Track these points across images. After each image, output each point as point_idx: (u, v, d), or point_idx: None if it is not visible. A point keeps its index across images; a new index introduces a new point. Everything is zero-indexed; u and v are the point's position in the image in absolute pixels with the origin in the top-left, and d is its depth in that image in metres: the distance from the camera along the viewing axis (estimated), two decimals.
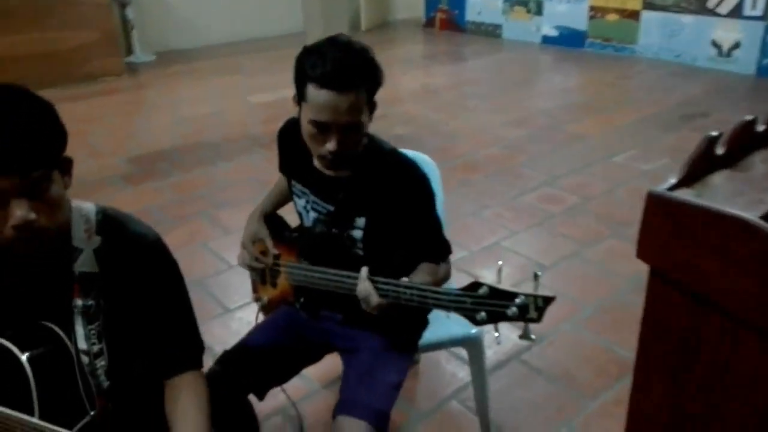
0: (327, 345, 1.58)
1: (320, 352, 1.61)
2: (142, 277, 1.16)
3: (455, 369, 2.22)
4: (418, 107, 5.27)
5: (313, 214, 1.52)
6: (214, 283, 2.74)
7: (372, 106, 1.34)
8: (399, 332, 1.51)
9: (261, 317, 1.70)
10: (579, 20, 6.95)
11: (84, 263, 1.11)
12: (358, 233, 1.45)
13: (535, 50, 7.21)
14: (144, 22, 6.94)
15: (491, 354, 2.28)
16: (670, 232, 0.76)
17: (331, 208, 1.47)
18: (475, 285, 1.14)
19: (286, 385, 1.62)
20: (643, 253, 0.80)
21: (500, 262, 1.16)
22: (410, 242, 1.44)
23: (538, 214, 3.35)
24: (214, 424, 1.51)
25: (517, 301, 1.09)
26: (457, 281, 2.79)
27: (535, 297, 1.08)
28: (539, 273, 1.14)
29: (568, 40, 7.08)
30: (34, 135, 0.94)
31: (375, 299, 1.27)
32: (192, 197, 3.60)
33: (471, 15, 8.02)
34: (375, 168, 1.41)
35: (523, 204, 3.48)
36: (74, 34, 5.87)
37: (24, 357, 1.03)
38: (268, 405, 2.04)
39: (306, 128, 1.30)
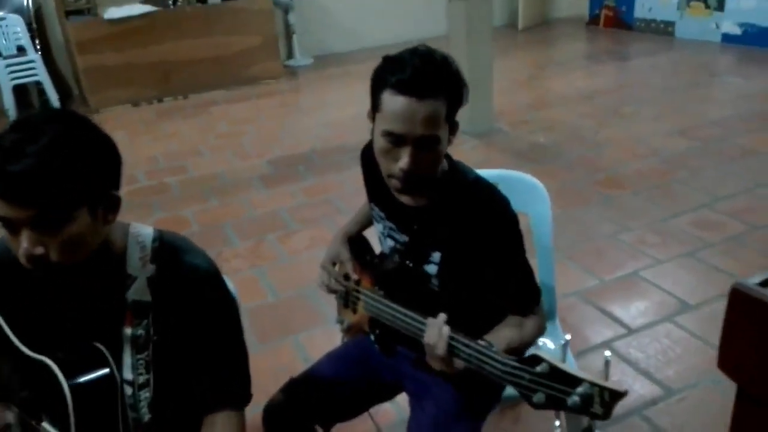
0: (398, 386, 1.46)
1: (391, 391, 1.50)
2: (193, 309, 1.11)
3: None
4: (566, 112, 4.90)
5: (389, 242, 1.41)
6: (324, 294, 2.73)
7: (452, 125, 1.19)
8: (475, 385, 1.34)
9: (345, 340, 1.63)
10: None
11: (137, 291, 1.09)
12: (432, 268, 1.31)
13: (713, 50, 6.41)
14: (304, 27, 7.25)
15: None
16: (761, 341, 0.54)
17: (406, 239, 1.35)
18: (534, 359, 0.94)
19: (375, 409, 1.53)
20: (725, 362, 0.58)
21: (607, 354, 0.95)
22: (490, 287, 1.27)
23: (691, 242, 2.92)
24: None
25: (580, 389, 0.88)
26: (583, 315, 2.56)
27: (602, 388, 0.86)
28: (609, 358, 0.91)
29: (755, 39, 6.19)
30: (54, 173, 0.90)
31: (442, 351, 1.11)
32: (320, 202, 3.66)
33: (640, 11, 7.34)
34: (455, 199, 1.26)
35: (673, 228, 3.06)
36: (239, 39, 6.27)
37: (66, 385, 1.03)
38: (357, 429, 1.97)
39: (378, 142, 1.18)
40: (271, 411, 1.41)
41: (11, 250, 1.11)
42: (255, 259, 3.08)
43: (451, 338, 1.11)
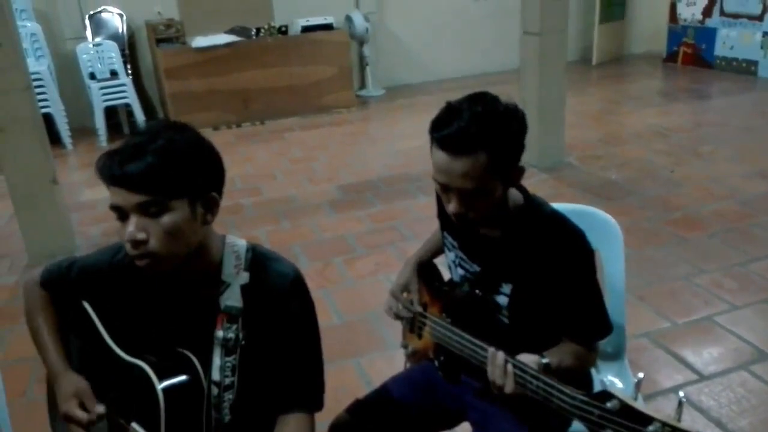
0: (462, 414, 1.47)
1: (454, 420, 1.50)
2: (280, 315, 1.19)
3: None
4: (640, 149, 4.80)
5: (460, 271, 1.44)
6: (386, 318, 2.76)
7: (506, 172, 1.21)
8: (540, 418, 1.33)
9: (408, 365, 1.66)
10: None
11: (230, 297, 1.17)
12: (503, 299, 1.33)
13: None
14: (378, 58, 7.44)
15: None
16: None
17: (478, 269, 1.38)
18: (605, 395, 0.94)
19: None
20: None
21: (682, 394, 0.95)
22: (560, 318, 1.27)
23: None
24: None
25: (651, 428, 0.87)
26: (653, 358, 2.48)
27: (674, 429, 0.85)
28: (684, 399, 0.91)
29: None
30: (165, 167, 1.03)
31: (510, 389, 1.13)
32: (386, 228, 3.72)
33: (721, 50, 7.13)
34: (529, 232, 1.28)
35: (751, 273, 2.93)
36: (316, 70, 6.49)
37: (160, 387, 1.10)
38: None
39: (435, 184, 1.24)
40: (337, 431, 1.45)
41: (115, 258, 1.22)
42: (322, 280, 3.16)
43: (517, 373, 1.12)
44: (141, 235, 1.04)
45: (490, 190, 1.20)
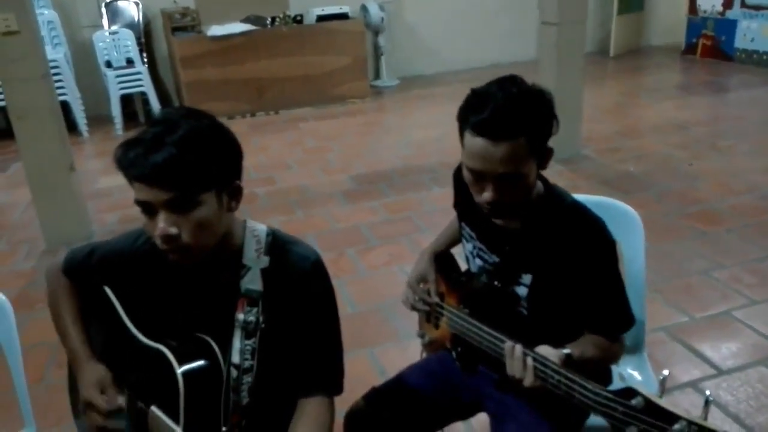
0: (478, 405, 1.46)
1: (471, 410, 1.50)
2: (300, 298, 1.19)
3: None
4: (657, 142, 4.75)
5: (478, 262, 1.43)
6: (399, 308, 2.75)
7: (543, 154, 1.21)
8: (560, 409, 1.32)
9: (425, 355, 1.65)
10: None
11: (251, 281, 1.17)
12: (522, 291, 1.32)
13: None
14: (393, 48, 7.40)
15: None
16: None
17: (497, 260, 1.37)
18: (629, 392, 0.93)
19: (449, 428, 1.53)
20: None
21: (708, 393, 0.93)
22: (582, 309, 1.26)
23: None
24: None
25: (676, 426, 0.85)
26: (671, 352, 2.45)
27: (701, 427, 0.84)
28: (711, 398, 0.89)
29: None
30: (189, 161, 1.01)
31: (529, 383, 1.12)
32: (400, 219, 3.71)
33: (741, 42, 7.02)
34: (550, 222, 1.27)
35: None
36: (330, 59, 6.47)
37: (179, 371, 1.11)
38: None
39: (465, 173, 1.23)
40: (353, 418, 1.45)
41: (136, 244, 1.22)
42: (335, 270, 3.15)
43: (537, 367, 1.11)
44: (173, 230, 1.03)
45: (527, 173, 1.18)
